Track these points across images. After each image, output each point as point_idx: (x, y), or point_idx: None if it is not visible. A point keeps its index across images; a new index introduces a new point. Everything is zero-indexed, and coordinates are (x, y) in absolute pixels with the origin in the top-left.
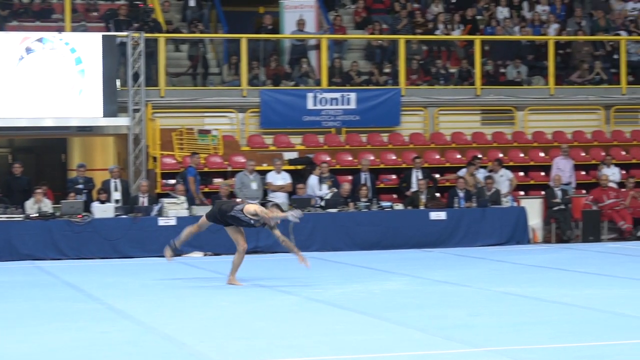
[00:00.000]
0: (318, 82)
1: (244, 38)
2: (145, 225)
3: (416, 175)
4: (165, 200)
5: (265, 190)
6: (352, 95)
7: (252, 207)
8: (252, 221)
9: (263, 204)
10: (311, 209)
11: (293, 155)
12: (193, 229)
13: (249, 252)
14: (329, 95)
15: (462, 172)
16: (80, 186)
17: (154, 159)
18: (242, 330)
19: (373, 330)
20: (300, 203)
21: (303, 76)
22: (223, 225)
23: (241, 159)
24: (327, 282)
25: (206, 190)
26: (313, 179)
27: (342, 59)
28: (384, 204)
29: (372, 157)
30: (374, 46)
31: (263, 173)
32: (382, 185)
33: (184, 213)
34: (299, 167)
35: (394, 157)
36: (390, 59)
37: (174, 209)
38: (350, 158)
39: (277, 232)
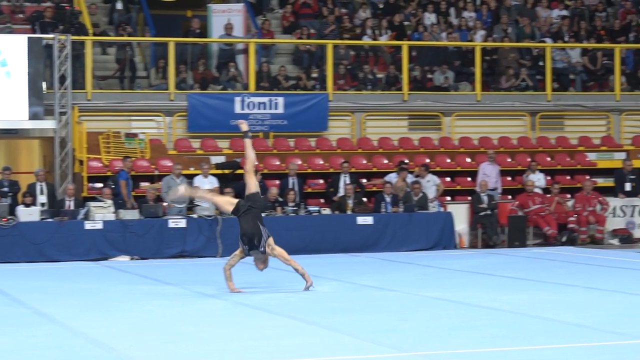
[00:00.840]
0: (246, 87)
1: (171, 42)
2: (72, 228)
3: (343, 180)
4: (92, 203)
5: None
6: (280, 100)
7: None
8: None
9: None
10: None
11: (220, 159)
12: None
13: (175, 256)
14: (256, 100)
15: (390, 177)
16: (6, 189)
17: (80, 162)
18: (171, 335)
19: (302, 335)
20: None
21: (231, 80)
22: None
23: (168, 163)
24: (256, 287)
25: (132, 194)
26: None
27: (270, 64)
28: (312, 208)
29: (299, 162)
30: (301, 51)
31: (190, 177)
32: (309, 190)
33: (111, 217)
34: (226, 171)
35: (321, 162)
36: (317, 63)
37: (101, 213)
38: (277, 162)
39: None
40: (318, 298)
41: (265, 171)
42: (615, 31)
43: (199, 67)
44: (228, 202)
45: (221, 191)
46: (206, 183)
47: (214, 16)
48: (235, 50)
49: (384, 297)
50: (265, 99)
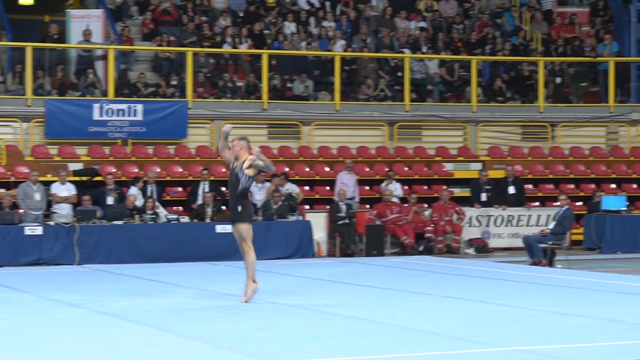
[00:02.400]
0: (105, 93)
1: (29, 46)
2: None
3: (203, 188)
4: None
5: (50, 201)
6: (139, 107)
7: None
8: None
9: None
10: (96, 221)
11: (78, 166)
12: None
13: (31, 264)
14: (115, 107)
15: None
16: None
17: None
18: (25, 344)
19: (160, 343)
20: (85, 215)
21: (89, 87)
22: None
23: (25, 170)
24: (113, 295)
25: None
26: (133, 190)
27: (130, 70)
28: (170, 216)
29: (158, 169)
30: (161, 58)
31: (47, 184)
32: (168, 198)
33: None
34: (84, 178)
35: (180, 170)
36: (177, 71)
37: None
38: (136, 170)
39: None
40: (176, 306)
41: (124, 178)
42: (472, 43)
43: (57, 72)
44: None
45: (79, 199)
46: (63, 190)
47: (72, 22)
48: (94, 57)
49: (243, 305)
50: (124, 106)
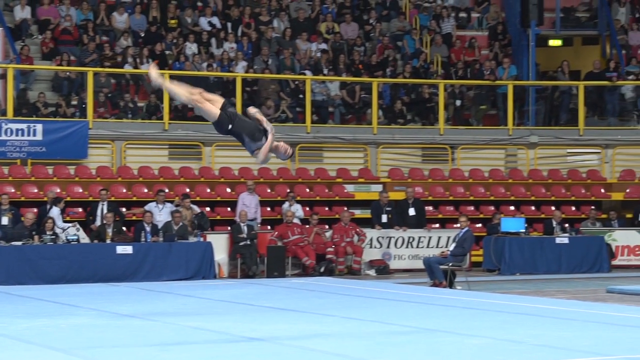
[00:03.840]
0: (4, 112)
1: None
2: None
3: (102, 209)
4: None
5: None
6: (39, 127)
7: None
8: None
9: None
10: None
11: None
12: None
13: None
14: (14, 126)
15: (149, 207)
16: None
17: None
18: None
19: None
20: None
21: None
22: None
23: None
24: (13, 316)
25: None
26: (55, 211)
27: (29, 90)
28: (70, 237)
29: (58, 190)
30: (61, 77)
31: None
32: (68, 218)
33: None
34: None
35: (80, 190)
36: (77, 91)
37: None
38: (35, 190)
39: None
40: (77, 328)
41: (23, 199)
42: (372, 65)
43: None
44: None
45: None
46: None
47: None
48: None
49: (145, 327)
50: (23, 126)
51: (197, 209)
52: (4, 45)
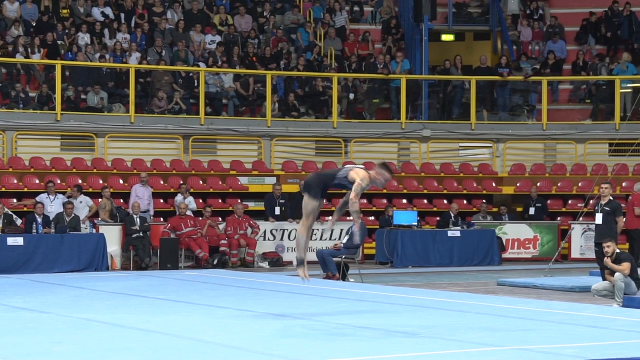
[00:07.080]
0: None
1: None
2: None
3: None
4: None
5: None
6: None
7: (361, 173)
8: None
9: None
10: None
11: None
12: (305, 230)
13: None
14: None
15: (41, 197)
16: None
17: None
18: None
19: None
20: None
21: None
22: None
23: None
24: None
25: None
26: None
27: None
28: None
29: None
30: None
31: None
32: None
33: None
34: None
35: None
36: None
37: None
38: None
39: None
40: None
41: None
42: (266, 58)
43: None
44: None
45: None
46: None
47: None
48: None
49: (37, 319)
50: None
51: (89, 201)
52: None
